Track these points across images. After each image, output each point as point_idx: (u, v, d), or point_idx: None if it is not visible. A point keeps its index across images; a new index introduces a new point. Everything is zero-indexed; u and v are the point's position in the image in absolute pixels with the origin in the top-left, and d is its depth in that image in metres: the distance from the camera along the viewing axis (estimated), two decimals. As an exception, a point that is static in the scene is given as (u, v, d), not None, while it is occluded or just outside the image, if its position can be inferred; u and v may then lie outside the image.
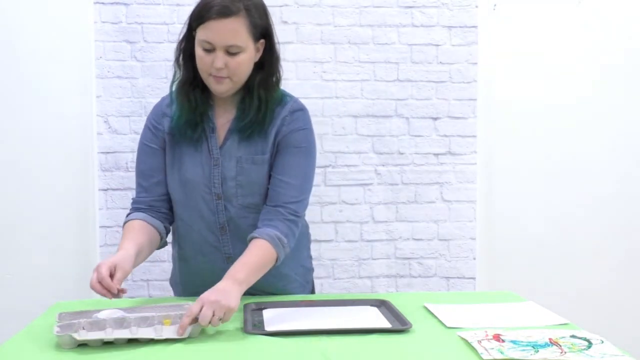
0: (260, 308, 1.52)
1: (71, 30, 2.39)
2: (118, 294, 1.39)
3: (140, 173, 1.69)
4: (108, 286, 1.37)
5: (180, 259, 1.75)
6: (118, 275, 1.40)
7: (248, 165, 1.61)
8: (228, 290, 1.38)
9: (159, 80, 2.59)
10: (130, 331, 1.29)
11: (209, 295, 1.35)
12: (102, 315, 1.33)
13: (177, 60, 1.63)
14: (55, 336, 1.26)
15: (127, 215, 1.67)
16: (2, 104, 1.70)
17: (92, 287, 1.39)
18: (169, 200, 1.69)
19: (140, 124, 1.77)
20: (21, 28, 1.85)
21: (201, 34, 1.53)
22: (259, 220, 1.60)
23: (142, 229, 1.61)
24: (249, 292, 1.63)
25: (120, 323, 1.31)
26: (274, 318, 1.45)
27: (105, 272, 1.38)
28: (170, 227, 1.73)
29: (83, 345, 1.25)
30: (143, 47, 2.60)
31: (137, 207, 1.67)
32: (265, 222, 1.57)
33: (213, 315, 1.31)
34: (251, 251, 1.52)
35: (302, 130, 1.64)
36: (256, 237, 1.54)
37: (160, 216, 1.67)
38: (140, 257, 1.56)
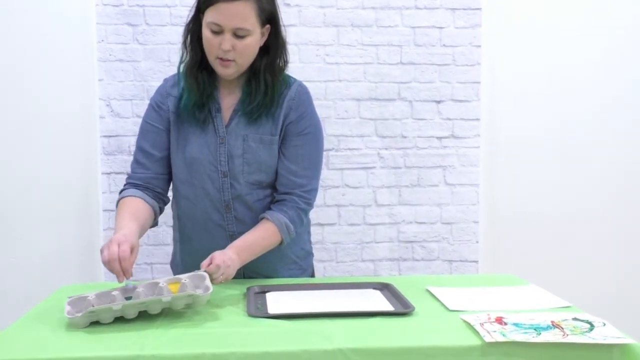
0: (263, 291, 1.53)
1: (72, 13, 2.37)
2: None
3: (141, 150, 1.69)
4: (126, 268, 1.37)
5: (182, 239, 1.75)
6: (133, 258, 1.40)
7: (255, 144, 1.63)
8: (235, 265, 1.51)
9: (161, 63, 2.58)
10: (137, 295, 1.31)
11: (225, 259, 1.46)
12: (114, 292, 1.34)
13: (184, 42, 1.64)
14: (66, 317, 1.27)
15: (123, 191, 1.66)
16: (2, 89, 1.70)
17: (110, 263, 1.36)
18: (166, 181, 1.71)
19: (142, 107, 1.77)
20: (22, 11, 1.84)
21: (210, 15, 1.54)
22: (270, 202, 1.67)
23: (143, 208, 1.62)
24: (249, 276, 1.66)
25: (129, 292, 1.34)
26: (277, 301, 1.46)
27: (129, 251, 1.37)
28: (163, 209, 1.73)
29: (93, 324, 1.26)
30: (145, 30, 2.58)
31: (133, 182, 1.67)
32: (279, 207, 1.65)
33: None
34: (260, 233, 1.61)
35: (310, 115, 1.68)
36: (267, 219, 1.62)
37: (156, 195, 1.68)
38: (139, 238, 1.56)
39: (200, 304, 1.34)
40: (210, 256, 1.48)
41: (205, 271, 1.42)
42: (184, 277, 1.39)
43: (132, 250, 1.40)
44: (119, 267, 1.36)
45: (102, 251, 1.39)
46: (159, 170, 1.69)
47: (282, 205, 1.65)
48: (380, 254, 2.75)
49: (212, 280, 1.41)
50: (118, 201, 1.65)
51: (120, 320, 1.29)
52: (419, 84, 2.69)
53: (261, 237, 1.61)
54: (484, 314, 1.33)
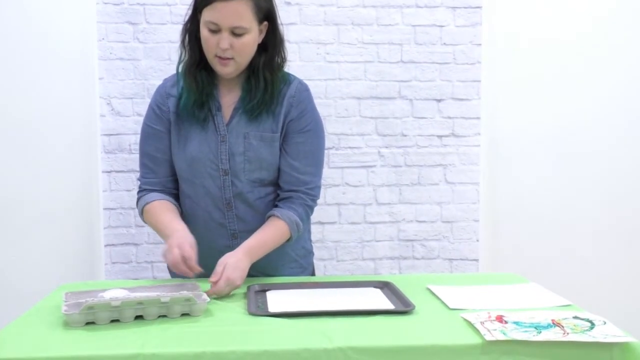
0: (264, 290, 1.53)
1: (73, 12, 2.37)
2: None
3: (146, 154, 1.71)
4: (191, 266, 1.48)
5: None
6: (194, 254, 1.50)
7: (256, 142, 1.64)
8: (243, 273, 1.52)
9: (162, 61, 2.58)
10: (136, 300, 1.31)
11: (232, 272, 1.48)
12: (107, 295, 1.34)
13: (182, 42, 1.65)
14: (63, 315, 1.27)
15: (143, 197, 1.69)
16: (2, 88, 1.70)
17: (175, 266, 1.49)
18: (176, 180, 1.73)
19: (143, 105, 1.78)
20: (22, 10, 1.84)
21: (207, 15, 1.54)
22: (273, 199, 1.69)
23: (175, 208, 1.68)
24: (250, 274, 1.66)
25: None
26: (278, 300, 1.46)
27: (191, 252, 1.49)
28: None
29: (90, 323, 1.26)
30: (145, 29, 2.58)
31: (149, 188, 1.70)
32: (287, 205, 1.66)
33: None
34: (271, 231, 1.63)
35: (311, 112, 1.69)
36: (278, 217, 1.63)
37: (174, 196, 1.72)
38: None
39: (196, 312, 1.33)
40: (220, 263, 1.49)
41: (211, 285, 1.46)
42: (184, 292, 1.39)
43: (192, 247, 1.51)
44: (184, 268, 1.48)
45: (165, 257, 1.52)
46: (168, 172, 1.71)
47: (290, 203, 1.66)
48: (380, 252, 2.75)
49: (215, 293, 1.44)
50: (143, 207, 1.68)
51: (117, 320, 1.29)
52: (419, 82, 2.69)
53: (273, 235, 1.63)
54: (485, 313, 1.32)
